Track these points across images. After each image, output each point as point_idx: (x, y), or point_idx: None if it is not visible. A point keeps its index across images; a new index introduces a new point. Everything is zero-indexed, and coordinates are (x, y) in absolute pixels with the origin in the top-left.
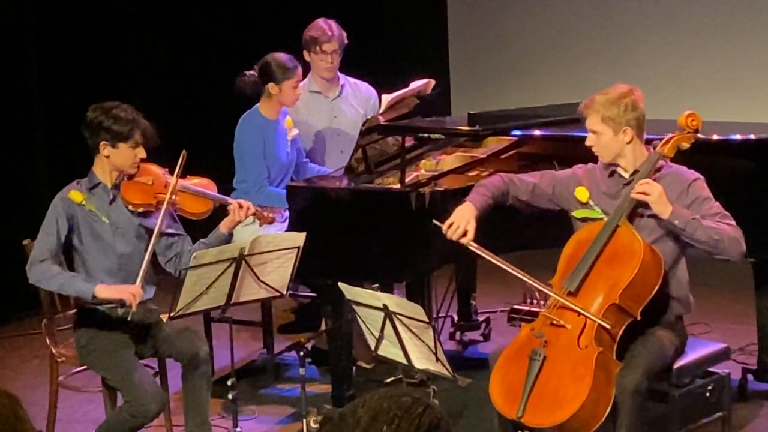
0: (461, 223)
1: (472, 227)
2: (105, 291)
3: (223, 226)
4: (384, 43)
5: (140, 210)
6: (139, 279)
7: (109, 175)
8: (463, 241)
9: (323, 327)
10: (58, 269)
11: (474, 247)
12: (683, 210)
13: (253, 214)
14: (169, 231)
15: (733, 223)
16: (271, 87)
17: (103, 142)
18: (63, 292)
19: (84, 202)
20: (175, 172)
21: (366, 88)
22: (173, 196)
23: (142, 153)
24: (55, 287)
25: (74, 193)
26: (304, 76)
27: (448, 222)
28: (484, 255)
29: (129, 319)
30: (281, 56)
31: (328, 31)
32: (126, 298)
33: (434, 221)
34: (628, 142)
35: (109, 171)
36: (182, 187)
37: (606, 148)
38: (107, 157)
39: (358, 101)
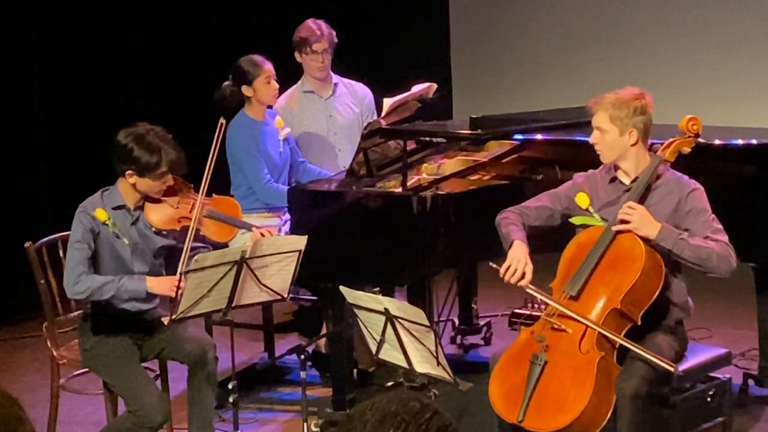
0: (518, 265)
1: (530, 269)
2: (156, 286)
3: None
4: (386, 46)
5: (164, 232)
6: (180, 269)
7: (133, 196)
8: (522, 284)
9: (324, 330)
10: (101, 278)
11: (532, 290)
12: (671, 229)
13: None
14: (191, 245)
15: (725, 238)
16: (245, 90)
17: (130, 171)
18: (118, 298)
19: (108, 222)
20: (199, 196)
21: (360, 88)
22: (195, 222)
23: (169, 181)
24: (109, 295)
25: (100, 212)
26: (298, 78)
27: (504, 266)
28: (541, 297)
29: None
30: (249, 56)
31: (317, 30)
32: (172, 293)
33: (492, 264)
34: (632, 145)
35: (132, 193)
36: (208, 213)
37: (609, 148)
38: (133, 184)
39: (353, 100)
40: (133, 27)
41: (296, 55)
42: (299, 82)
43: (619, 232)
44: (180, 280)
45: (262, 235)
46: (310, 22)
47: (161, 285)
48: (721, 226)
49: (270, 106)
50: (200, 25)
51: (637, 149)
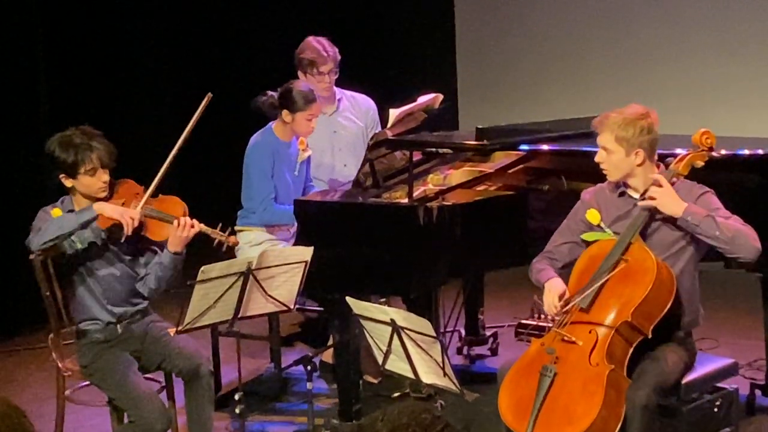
0: (549, 300)
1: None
2: (104, 208)
3: (169, 244)
4: (392, 57)
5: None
6: (139, 205)
7: (81, 201)
8: (562, 315)
9: (330, 341)
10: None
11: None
12: (697, 207)
13: (207, 235)
14: (153, 248)
15: (747, 225)
16: (285, 114)
17: (62, 175)
18: (63, 228)
19: None
20: (145, 196)
21: (364, 100)
22: (138, 215)
23: (103, 176)
24: (56, 228)
25: (55, 212)
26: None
27: (545, 308)
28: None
29: (122, 240)
30: (304, 87)
31: (323, 52)
32: (124, 221)
33: (536, 298)
34: (639, 165)
35: (80, 197)
36: (147, 212)
37: (616, 168)
38: (71, 187)
39: (357, 114)
40: (139, 29)
41: (300, 74)
42: None
43: (629, 245)
44: (135, 217)
45: (184, 224)
46: (314, 42)
47: (113, 209)
48: (738, 218)
49: None
50: (206, 28)
51: (644, 168)
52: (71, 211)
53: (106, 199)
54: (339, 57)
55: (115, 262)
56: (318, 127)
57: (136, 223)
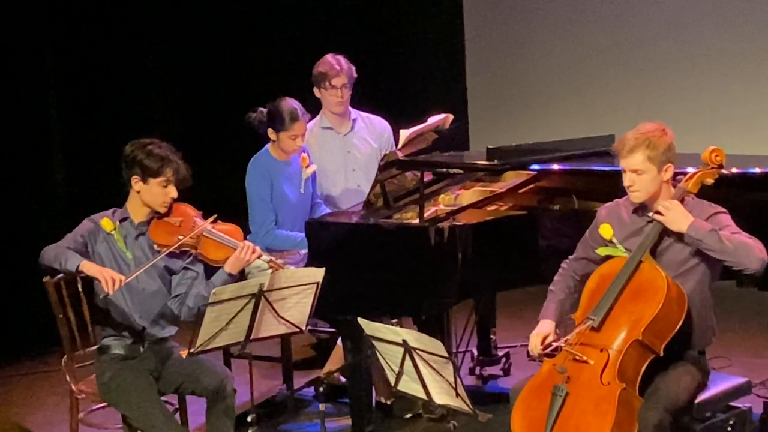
0: (532, 342)
1: (539, 339)
2: (89, 267)
3: (227, 265)
4: (402, 78)
5: (162, 249)
6: (130, 276)
7: (139, 210)
8: (549, 350)
9: (331, 361)
10: (59, 244)
11: (557, 343)
12: (702, 223)
13: (267, 261)
14: (189, 267)
15: (753, 238)
16: (270, 132)
17: (135, 177)
18: (56, 260)
19: (113, 232)
20: (206, 223)
21: (379, 122)
22: (191, 239)
23: (172, 192)
24: (52, 254)
25: (105, 221)
26: (317, 113)
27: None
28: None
29: (101, 297)
30: (289, 106)
31: (336, 65)
32: (104, 280)
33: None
34: (666, 181)
35: (140, 207)
36: (207, 232)
37: (648, 187)
38: (138, 192)
39: (372, 135)
40: (149, 32)
41: (315, 90)
42: (317, 118)
43: (640, 263)
44: (122, 281)
45: (249, 247)
46: (329, 57)
47: (94, 269)
48: (747, 234)
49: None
50: (218, 40)
51: (668, 184)
52: (124, 219)
53: (161, 217)
54: (354, 75)
55: (155, 277)
56: (332, 146)
57: (117, 286)
